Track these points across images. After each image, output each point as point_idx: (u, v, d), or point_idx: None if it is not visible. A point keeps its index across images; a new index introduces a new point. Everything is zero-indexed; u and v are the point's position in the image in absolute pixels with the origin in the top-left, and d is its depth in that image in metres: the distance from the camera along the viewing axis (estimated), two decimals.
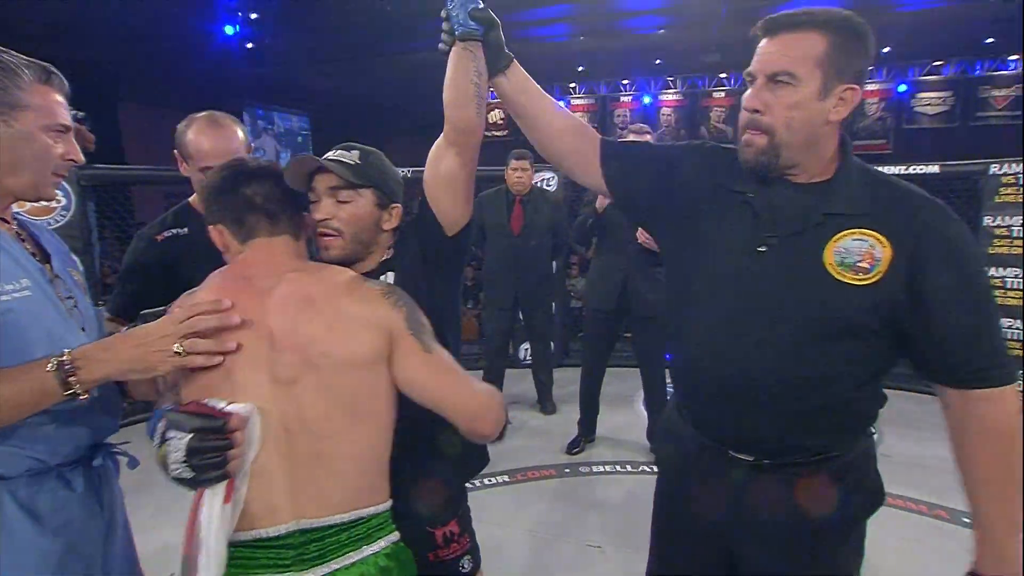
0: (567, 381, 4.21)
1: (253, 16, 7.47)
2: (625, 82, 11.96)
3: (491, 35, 1.09)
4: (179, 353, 0.88)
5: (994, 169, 3.78)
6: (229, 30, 7.53)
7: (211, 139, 1.46)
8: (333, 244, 1.09)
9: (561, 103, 1.21)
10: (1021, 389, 0.97)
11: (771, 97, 0.96)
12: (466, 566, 1.17)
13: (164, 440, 0.82)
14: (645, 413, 3.33)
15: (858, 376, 1.00)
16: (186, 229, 1.48)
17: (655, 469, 2.99)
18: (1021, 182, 3.69)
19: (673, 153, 1.18)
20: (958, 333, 0.93)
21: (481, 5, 1.09)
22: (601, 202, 2.97)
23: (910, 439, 3.30)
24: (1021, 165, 3.71)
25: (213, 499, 0.84)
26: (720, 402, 1.05)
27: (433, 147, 1.15)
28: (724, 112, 11.82)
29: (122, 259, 1.24)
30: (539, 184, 4.09)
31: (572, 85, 11.72)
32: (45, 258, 1.07)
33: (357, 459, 0.92)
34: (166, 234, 1.48)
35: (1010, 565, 0.92)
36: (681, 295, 1.13)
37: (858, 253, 0.94)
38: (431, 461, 1.12)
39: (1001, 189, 3.75)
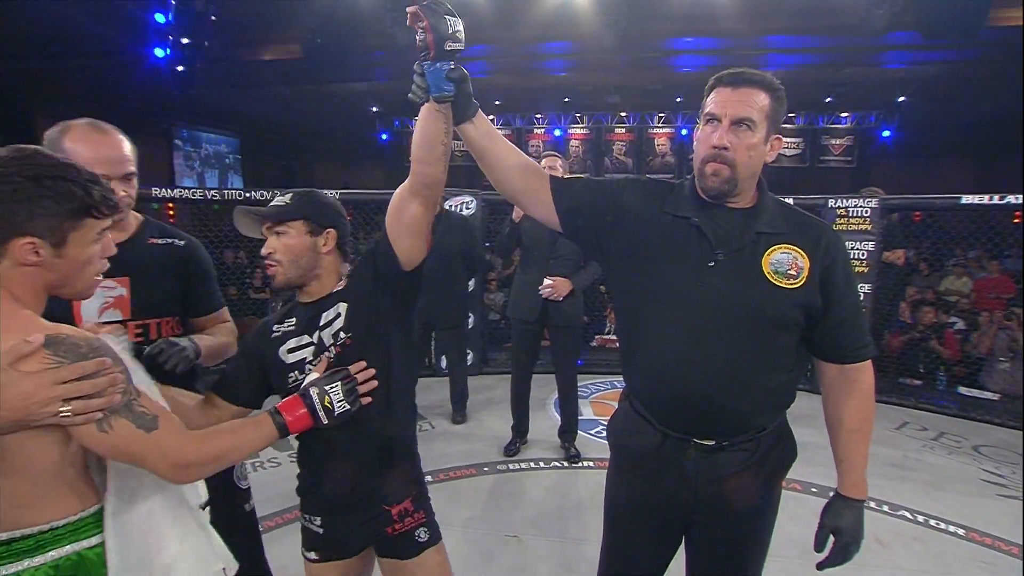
0: (485, 388, 4.19)
1: (184, 41, 7.00)
2: (539, 116, 12.25)
3: (463, 89, 1.07)
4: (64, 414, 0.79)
5: (832, 203, 4.23)
6: (159, 53, 7.02)
7: (93, 146, 1.20)
8: (275, 271, 1.18)
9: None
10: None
11: (735, 138, 1.07)
12: (422, 536, 1.22)
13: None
14: (556, 415, 3.35)
15: (789, 362, 1.14)
16: None
17: (566, 465, 3.09)
18: (850, 214, 4.15)
19: (615, 185, 1.23)
20: (847, 323, 1.12)
21: (453, 65, 1.04)
22: (517, 213, 2.96)
23: None
24: (849, 200, 4.18)
25: None
26: (686, 399, 1.11)
27: (397, 193, 1.16)
28: (625, 145, 12.37)
29: None
30: (452, 207, 3.97)
31: (491, 118, 11.80)
32: None
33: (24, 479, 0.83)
34: None
35: (863, 485, 1.18)
36: (638, 312, 1.17)
37: (787, 263, 1.09)
38: (378, 454, 1.19)
39: (838, 219, 4.20)
